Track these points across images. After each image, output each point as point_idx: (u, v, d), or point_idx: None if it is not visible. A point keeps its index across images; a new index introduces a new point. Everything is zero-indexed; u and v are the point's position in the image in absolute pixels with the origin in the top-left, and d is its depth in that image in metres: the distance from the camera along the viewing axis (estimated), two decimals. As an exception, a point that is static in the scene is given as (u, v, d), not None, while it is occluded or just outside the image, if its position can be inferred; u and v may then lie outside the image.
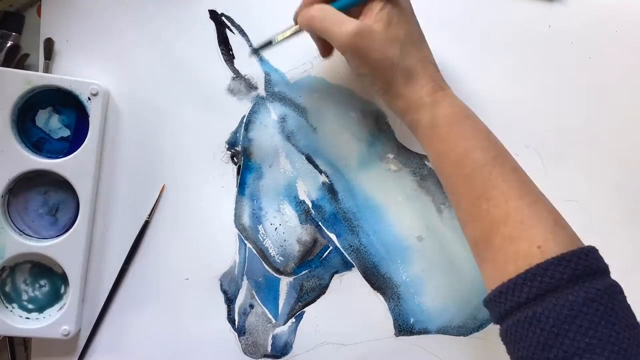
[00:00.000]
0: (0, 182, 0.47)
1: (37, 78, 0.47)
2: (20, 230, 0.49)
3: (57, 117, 0.50)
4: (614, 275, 0.49)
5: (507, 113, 0.50)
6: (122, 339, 0.51)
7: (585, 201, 0.49)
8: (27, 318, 0.49)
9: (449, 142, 0.39)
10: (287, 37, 0.45)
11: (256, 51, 0.50)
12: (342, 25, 0.39)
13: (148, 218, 0.50)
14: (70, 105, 0.49)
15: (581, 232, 0.49)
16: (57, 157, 0.48)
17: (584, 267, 0.33)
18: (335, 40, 0.40)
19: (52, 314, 0.49)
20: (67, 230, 0.49)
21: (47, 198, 0.50)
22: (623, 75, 0.49)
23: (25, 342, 0.51)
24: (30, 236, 0.49)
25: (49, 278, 0.50)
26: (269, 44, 0.47)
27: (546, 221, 0.36)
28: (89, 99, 0.48)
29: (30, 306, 0.50)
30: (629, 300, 0.51)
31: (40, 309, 0.50)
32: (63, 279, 0.49)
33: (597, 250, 0.36)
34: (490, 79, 0.50)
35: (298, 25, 0.44)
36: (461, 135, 0.39)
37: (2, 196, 0.48)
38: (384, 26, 0.39)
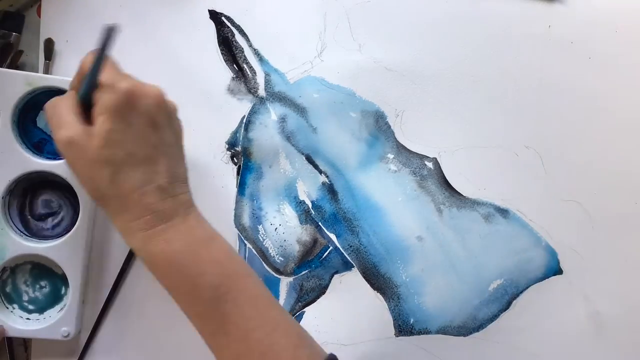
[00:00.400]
0: (0, 183, 0.47)
1: (38, 79, 0.47)
2: (21, 232, 0.49)
3: None
4: (613, 274, 0.50)
5: (507, 113, 0.50)
6: (122, 340, 0.51)
7: (585, 201, 0.50)
8: (28, 319, 0.49)
9: (172, 280, 0.37)
10: None
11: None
12: (60, 129, 0.36)
13: (148, 218, 0.51)
14: None
15: (581, 231, 0.50)
16: (57, 159, 0.49)
17: None
18: (55, 142, 0.37)
19: (53, 315, 0.49)
20: (67, 232, 0.49)
21: (48, 199, 0.50)
22: (623, 75, 0.49)
23: (25, 343, 0.51)
24: (31, 237, 0.49)
25: (50, 279, 0.50)
26: None
27: (287, 348, 0.36)
28: None
29: (30, 307, 0.50)
30: (629, 301, 0.52)
31: (41, 310, 0.50)
32: (63, 280, 0.50)
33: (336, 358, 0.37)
34: (490, 79, 0.50)
35: None
36: (184, 273, 0.36)
37: (2, 197, 0.48)
38: (99, 143, 0.35)
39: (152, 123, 0.37)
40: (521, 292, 0.50)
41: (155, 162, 0.37)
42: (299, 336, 0.38)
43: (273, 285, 0.51)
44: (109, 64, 0.37)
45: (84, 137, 0.35)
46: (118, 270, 0.50)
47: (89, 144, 0.35)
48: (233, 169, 0.51)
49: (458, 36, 0.50)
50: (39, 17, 0.50)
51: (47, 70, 0.50)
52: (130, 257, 0.50)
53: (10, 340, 0.51)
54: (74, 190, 0.48)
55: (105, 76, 0.36)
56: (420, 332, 0.50)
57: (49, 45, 0.50)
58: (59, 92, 0.48)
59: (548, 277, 0.50)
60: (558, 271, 0.50)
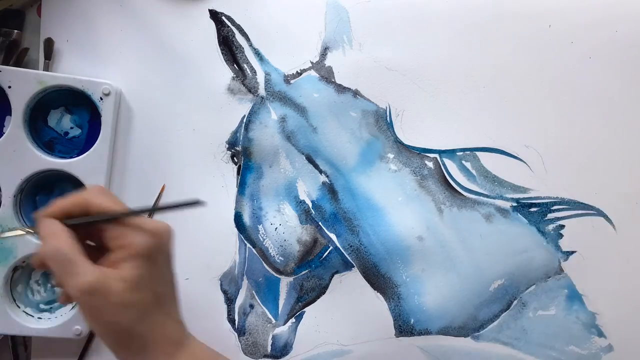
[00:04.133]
0: (12, 182, 0.49)
1: (49, 78, 0.48)
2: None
3: (69, 117, 0.51)
4: (614, 274, 0.51)
5: (507, 113, 0.51)
6: None
7: (586, 201, 0.51)
8: (39, 318, 0.50)
9: None
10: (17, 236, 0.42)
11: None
12: (76, 277, 0.34)
13: (148, 217, 0.52)
14: (81, 105, 0.51)
15: (583, 231, 0.51)
16: (69, 157, 0.50)
17: None
18: (68, 291, 0.34)
19: (64, 314, 0.50)
20: None
21: (60, 198, 0.51)
22: (623, 75, 0.50)
23: (25, 342, 0.52)
24: None
25: None
26: None
27: None
28: (101, 98, 0.49)
29: (42, 306, 0.51)
30: (630, 301, 0.53)
31: (52, 309, 0.51)
32: None
33: None
34: (490, 79, 0.51)
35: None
36: None
37: (14, 196, 0.49)
38: (126, 288, 0.34)
39: (170, 260, 0.38)
40: (522, 292, 0.51)
41: (173, 298, 0.38)
42: None
43: (273, 285, 0.52)
44: (113, 198, 0.37)
45: (106, 282, 0.34)
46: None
47: (113, 289, 0.34)
48: (233, 168, 0.52)
49: (458, 36, 0.51)
50: (39, 16, 0.51)
51: (47, 70, 0.51)
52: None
53: (13, 339, 0.52)
54: (85, 188, 0.49)
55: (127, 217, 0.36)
56: (420, 333, 0.51)
57: (49, 44, 0.51)
58: (71, 91, 0.49)
59: (549, 277, 0.51)
60: (558, 271, 0.51)
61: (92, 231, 0.37)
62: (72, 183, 0.50)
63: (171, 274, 0.38)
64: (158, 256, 0.36)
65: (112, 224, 0.36)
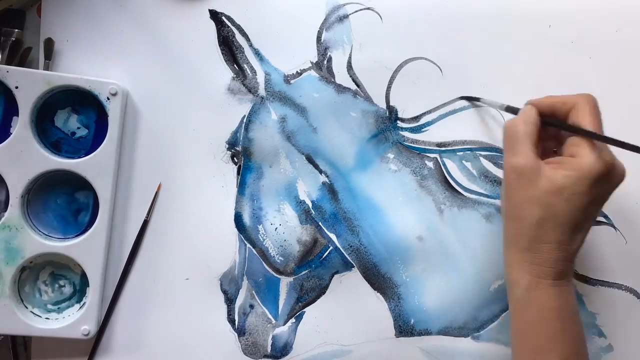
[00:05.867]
0: (19, 182, 0.49)
1: (56, 78, 0.49)
2: (40, 231, 0.51)
3: (76, 117, 0.52)
4: (614, 274, 0.52)
5: (506, 113, 0.51)
6: (121, 340, 0.52)
7: None
8: (47, 318, 0.51)
9: (524, 331, 0.40)
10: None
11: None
12: (515, 155, 0.39)
13: (147, 217, 0.52)
14: (88, 105, 0.51)
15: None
16: (76, 157, 0.50)
17: None
18: (504, 164, 0.40)
19: (72, 314, 0.51)
20: (86, 230, 0.50)
21: (67, 198, 0.52)
22: (623, 75, 0.51)
23: (25, 342, 0.53)
24: (50, 236, 0.51)
25: (68, 278, 0.52)
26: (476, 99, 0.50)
27: None
28: (108, 98, 0.50)
29: (49, 306, 0.52)
30: (630, 301, 0.53)
31: (59, 309, 0.52)
32: (82, 278, 0.51)
33: None
34: (490, 79, 0.52)
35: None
36: (535, 336, 0.39)
37: (21, 196, 0.49)
38: (547, 188, 0.37)
39: (602, 200, 0.39)
40: (522, 292, 0.52)
41: (576, 233, 0.39)
42: None
43: (273, 285, 0.52)
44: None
45: (534, 173, 0.38)
46: (118, 271, 0.52)
47: (536, 182, 0.38)
48: (233, 168, 0.53)
49: (458, 35, 0.52)
50: (39, 16, 0.52)
51: (47, 70, 0.51)
52: (131, 257, 0.52)
53: (13, 339, 0.52)
54: (92, 188, 0.50)
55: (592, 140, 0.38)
56: (420, 333, 0.52)
57: (49, 45, 0.51)
58: (78, 91, 0.50)
59: (549, 278, 0.52)
60: (559, 271, 0.52)
61: (559, 133, 0.41)
62: (79, 183, 0.51)
63: (589, 216, 0.39)
64: (594, 187, 0.37)
65: (580, 137, 0.38)
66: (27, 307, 0.51)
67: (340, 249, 0.52)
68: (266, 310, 0.52)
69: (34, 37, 0.52)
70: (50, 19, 0.52)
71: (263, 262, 0.52)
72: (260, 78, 0.52)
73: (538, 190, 0.38)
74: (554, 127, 0.42)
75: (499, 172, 0.52)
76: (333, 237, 0.52)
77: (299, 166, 0.52)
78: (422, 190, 0.52)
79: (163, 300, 0.53)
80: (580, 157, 0.37)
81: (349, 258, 0.52)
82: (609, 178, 0.38)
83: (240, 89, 0.52)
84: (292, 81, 0.52)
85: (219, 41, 0.52)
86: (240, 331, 0.52)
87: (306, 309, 0.52)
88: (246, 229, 0.52)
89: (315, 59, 0.52)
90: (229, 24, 0.52)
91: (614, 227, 0.51)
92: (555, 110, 0.40)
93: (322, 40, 0.52)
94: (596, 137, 0.38)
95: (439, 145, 0.52)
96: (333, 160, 0.52)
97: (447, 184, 0.52)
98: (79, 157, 0.50)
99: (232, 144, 0.53)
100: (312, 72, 0.52)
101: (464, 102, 0.52)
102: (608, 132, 0.50)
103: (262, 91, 0.52)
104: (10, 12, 0.52)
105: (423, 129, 0.52)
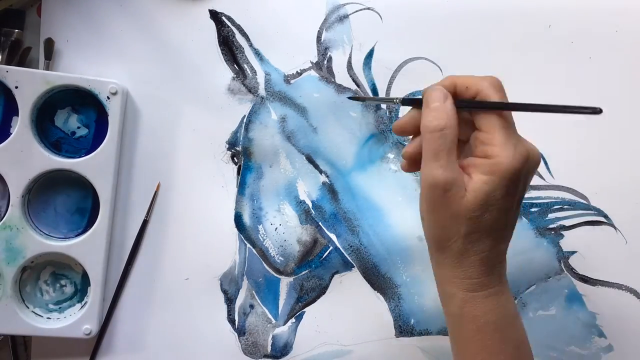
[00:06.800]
0: (20, 182, 0.49)
1: (56, 78, 0.49)
2: (41, 230, 0.51)
3: (76, 116, 0.52)
4: (614, 274, 0.52)
5: (506, 113, 0.52)
6: (123, 339, 0.53)
7: (586, 201, 0.52)
8: (49, 318, 0.51)
9: (471, 342, 0.38)
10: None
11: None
12: (435, 168, 0.34)
13: (146, 217, 0.52)
14: (88, 105, 0.52)
15: (582, 231, 0.52)
16: (76, 157, 0.51)
17: None
18: (422, 171, 0.35)
19: (73, 314, 0.51)
20: (87, 230, 0.51)
21: (67, 197, 0.52)
22: (623, 75, 0.51)
23: (25, 342, 0.53)
24: (51, 236, 0.51)
25: (69, 278, 0.52)
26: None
27: None
28: (108, 98, 0.50)
29: (50, 306, 0.52)
30: (630, 301, 0.53)
31: (61, 309, 0.52)
32: (83, 278, 0.52)
33: None
34: None
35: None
36: (484, 345, 0.37)
37: (22, 196, 0.50)
38: (473, 202, 0.34)
39: (523, 193, 0.36)
40: (522, 292, 0.52)
41: (504, 235, 0.36)
42: None
43: (273, 285, 0.53)
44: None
45: (459, 186, 0.34)
46: (118, 271, 0.53)
47: (459, 196, 0.34)
48: (233, 168, 0.53)
49: (458, 36, 0.52)
50: (39, 16, 0.52)
51: (47, 70, 0.52)
52: (132, 257, 0.53)
53: (13, 339, 0.53)
54: (93, 188, 0.50)
55: (507, 129, 0.34)
56: (420, 333, 0.52)
57: (49, 45, 0.52)
58: (78, 90, 0.50)
59: (549, 277, 0.52)
60: (559, 271, 0.52)
61: (465, 122, 0.36)
62: (79, 183, 0.51)
63: (516, 210, 0.36)
64: (516, 185, 0.34)
65: (487, 131, 0.34)
66: (28, 307, 0.51)
67: (340, 249, 0.52)
68: (266, 310, 0.53)
69: (34, 37, 0.53)
70: (50, 19, 0.52)
71: (263, 262, 0.53)
72: (260, 78, 0.53)
73: (463, 205, 0.34)
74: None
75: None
76: (333, 237, 0.52)
77: (299, 166, 0.53)
78: (422, 190, 0.52)
79: (163, 299, 0.53)
80: (496, 158, 0.33)
81: (349, 258, 0.52)
82: (528, 169, 0.35)
83: (241, 89, 0.53)
84: (292, 81, 0.53)
85: (219, 41, 0.53)
86: (241, 331, 0.53)
87: (306, 309, 0.53)
88: (246, 229, 0.53)
89: (315, 59, 0.53)
90: (229, 24, 0.53)
91: (614, 227, 0.52)
92: (458, 95, 0.36)
93: (322, 40, 0.52)
94: (511, 108, 0.34)
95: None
96: (333, 160, 0.53)
97: (447, 184, 0.52)
98: (79, 157, 0.50)
99: (232, 144, 0.53)
100: (312, 72, 0.53)
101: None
102: (608, 132, 0.51)
103: (262, 91, 0.53)
104: (10, 12, 0.52)
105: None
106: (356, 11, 0.52)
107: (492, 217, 0.34)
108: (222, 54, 0.53)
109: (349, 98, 0.51)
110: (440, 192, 0.34)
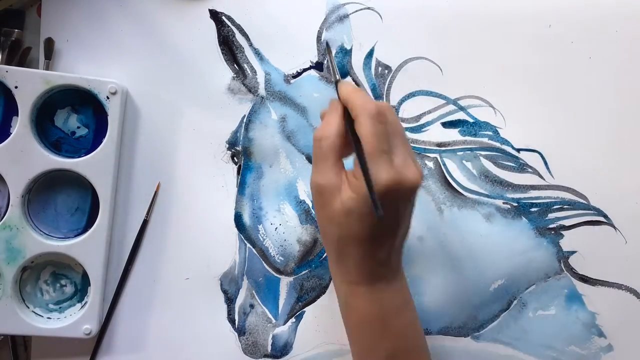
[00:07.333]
0: (20, 182, 0.49)
1: (56, 78, 0.49)
2: (41, 230, 0.51)
3: (76, 116, 0.52)
4: (614, 274, 0.52)
5: (507, 113, 0.52)
6: (123, 339, 0.53)
7: (586, 201, 0.52)
8: (49, 318, 0.51)
9: (357, 333, 0.42)
10: None
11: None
12: (319, 173, 0.38)
13: (146, 217, 0.53)
14: (88, 105, 0.52)
15: (582, 231, 0.52)
16: (76, 156, 0.51)
17: None
18: (312, 175, 0.39)
19: (73, 314, 0.52)
20: (87, 230, 0.51)
21: (67, 197, 0.52)
22: (623, 75, 0.51)
23: (25, 342, 0.53)
24: (51, 236, 0.52)
25: (70, 278, 0.52)
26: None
27: None
28: (108, 97, 0.50)
29: (51, 306, 0.52)
30: (630, 301, 0.53)
31: (61, 309, 0.52)
32: (83, 278, 0.52)
33: None
34: (490, 79, 0.52)
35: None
36: (368, 335, 0.41)
37: (22, 196, 0.50)
38: (343, 209, 0.37)
39: (397, 213, 0.38)
40: (522, 292, 0.52)
41: (376, 246, 0.38)
42: None
43: (273, 285, 0.53)
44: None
45: (332, 193, 0.37)
46: (118, 270, 0.53)
47: (333, 203, 0.37)
48: (233, 168, 0.53)
49: (458, 35, 0.52)
50: (39, 16, 0.53)
51: (47, 70, 0.52)
52: (132, 257, 0.53)
53: (13, 339, 0.53)
54: (92, 187, 0.50)
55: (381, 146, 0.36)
56: (420, 333, 0.53)
57: (49, 44, 0.52)
58: (77, 90, 0.50)
59: (549, 277, 0.52)
60: (559, 271, 0.52)
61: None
62: (79, 182, 0.51)
63: (395, 224, 0.38)
64: (392, 202, 0.36)
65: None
66: (28, 307, 0.52)
67: (340, 248, 0.53)
68: (266, 310, 0.53)
69: (34, 37, 0.53)
70: (50, 19, 0.53)
71: (263, 262, 0.53)
72: (261, 78, 0.53)
73: (334, 211, 0.37)
74: None
75: (499, 172, 0.52)
76: (333, 237, 0.53)
77: (299, 166, 0.53)
78: (422, 190, 0.52)
79: (163, 299, 0.53)
80: (360, 180, 0.36)
81: (349, 258, 0.53)
82: (398, 191, 0.36)
83: (241, 89, 0.53)
84: (292, 81, 0.53)
85: (219, 41, 0.53)
86: (241, 331, 0.53)
87: (306, 309, 0.53)
88: (246, 228, 0.53)
89: (315, 59, 0.53)
90: (229, 23, 0.53)
91: (614, 227, 0.52)
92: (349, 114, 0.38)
93: (322, 40, 0.53)
94: (361, 162, 0.36)
95: (439, 145, 0.53)
96: (333, 160, 0.53)
97: (447, 184, 0.53)
98: (79, 157, 0.51)
99: (232, 143, 0.53)
100: (312, 72, 0.53)
101: (465, 102, 0.52)
102: (608, 132, 0.52)
103: (262, 91, 0.53)
104: (10, 12, 0.52)
105: (423, 129, 0.53)
106: (356, 11, 0.52)
107: (360, 228, 0.37)
108: (222, 53, 0.53)
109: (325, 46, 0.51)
110: (316, 194, 0.38)
